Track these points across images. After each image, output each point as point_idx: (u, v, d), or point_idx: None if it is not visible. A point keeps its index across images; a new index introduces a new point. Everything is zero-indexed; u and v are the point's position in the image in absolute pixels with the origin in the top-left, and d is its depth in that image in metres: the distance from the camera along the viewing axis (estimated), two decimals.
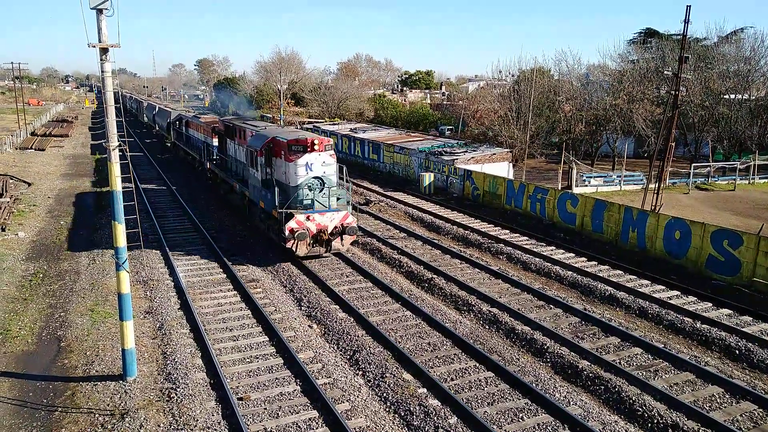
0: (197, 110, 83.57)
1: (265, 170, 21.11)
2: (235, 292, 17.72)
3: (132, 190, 12.54)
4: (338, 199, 20.77)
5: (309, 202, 19.91)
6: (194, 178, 37.06)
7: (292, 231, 19.16)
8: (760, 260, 18.33)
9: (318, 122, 63.34)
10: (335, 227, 19.98)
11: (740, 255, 18.90)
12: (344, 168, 20.90)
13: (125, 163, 11.69)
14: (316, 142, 19.75)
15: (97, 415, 11.05)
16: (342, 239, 20.33)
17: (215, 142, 30.84)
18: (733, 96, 47.39)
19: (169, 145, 51.78)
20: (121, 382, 12.16)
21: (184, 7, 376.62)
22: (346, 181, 20.94)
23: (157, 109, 60.88)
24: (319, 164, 19.87)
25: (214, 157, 30.88)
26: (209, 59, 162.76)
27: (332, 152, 20.26)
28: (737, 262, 18.98)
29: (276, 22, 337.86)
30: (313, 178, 19.85)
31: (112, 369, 12.73)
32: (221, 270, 19.71)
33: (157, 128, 58.79)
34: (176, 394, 11.68)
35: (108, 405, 11.38)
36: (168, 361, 13.04)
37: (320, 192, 19.93)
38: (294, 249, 19.56)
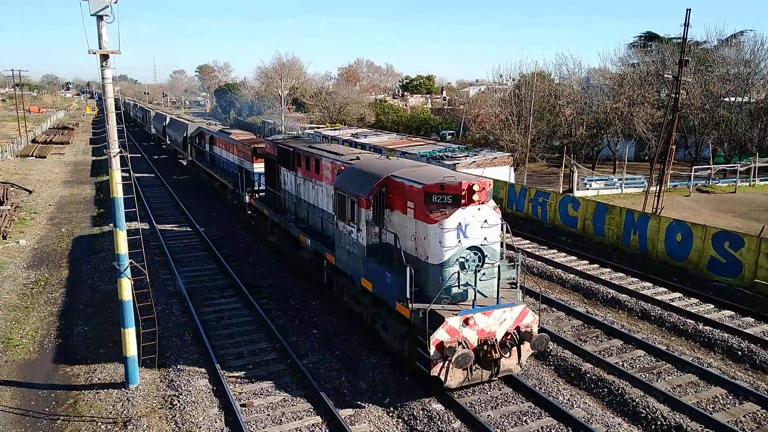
0: (202, 116, 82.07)
1: (372, 231, 13.37)
2: None
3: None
4: (511, 285, 13.06)
5: (460, 290, 12.04)
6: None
7: (440, 347, 11.29)
8: (761, 262, 18.29)
9: (319, 127, 63.42)
10: (508, 334, 12.10)
11: (742, 257, 18.86)
12: (506, 225, 13.18)
13: (127, 181, 11.70)
14: (475, 187, 11.79)
15: (99, 423, 11.03)
16: (519, 353, 12.36)
17: (258, 168, 24.76)
18: (733, 99, 47.40)
19: (185, 163, 44.90)
20: (123, 389, 12.13)
21: (186, 13, 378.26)
22: (514, 249, 13.73)
23: (168, 121, 51.96)
24: (477, 225, 12.00)
25: (258, 189, 24.72)
26: (210, 65, 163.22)
27: (493, 203, 12.70)
28: (739, 263, 18.93)
29: (277, 28, 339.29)
30: (468, 249, 12.04)
31: (114, 377, 12.71)
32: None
33: (169, 142, 50.80)
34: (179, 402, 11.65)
35: (110, 413, 11.35)
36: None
37: (479, 272, 12.08)
38: (443, 378, 11.61)
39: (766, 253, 18.20)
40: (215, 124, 45.54)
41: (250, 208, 25.48)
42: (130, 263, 11.89)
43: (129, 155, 11.94)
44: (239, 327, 15.54)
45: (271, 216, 21.31)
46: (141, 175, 40.94)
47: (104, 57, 10.94)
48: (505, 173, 36.63)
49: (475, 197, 11.90)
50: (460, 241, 11.90)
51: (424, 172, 13.20)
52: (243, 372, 13.05)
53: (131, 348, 12.03)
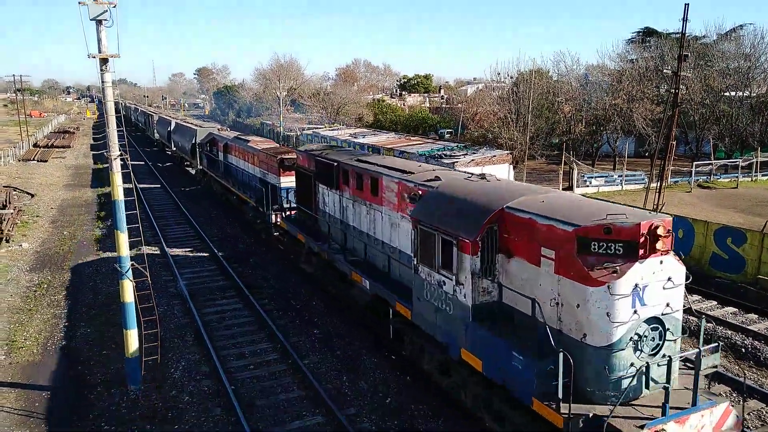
0: (201, 118, 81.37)
1: (479, 285, 9.87)
2: None
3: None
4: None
5: (633, 383, 8.32)
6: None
7: None
8: (764, 257, 18.24)
9: (317, 128, 63.45)
10: None
11: (744, 252, 18.83)
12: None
13: (127, 184, 11.73)
14: (660, 231, 8.25)
15: (102, 424, 11.06)
16: None
17: (286, 182, 21.75)
18: (733, 93, 47.33)
19: (193, 172, 41.80)
20: (125, 390, 12.17)
21: (183, 16, 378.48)
22: (697, 315, 10.24)
23: (173, 126, 48.54)
24: (659, 286, 8.54)
25: (288, 206, 21.32)
26: (209, 68, 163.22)
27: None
28: (741, 259, 18.90)
29: (274, 29, 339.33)
30: (647, 322, 8.56)
31: (117, 378, 12.74)
32: None
33: (175, 149, 47.59)
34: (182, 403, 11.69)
35: (113, 414, 11.39)
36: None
37: (658, 354, 8.73)
38: None
39: None
40: (225, 129, 40.52)
41: (276, 229, 22.21)
42: (132, 265, 11.93)
43: (130, 162, 11.97)
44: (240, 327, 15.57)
45: (309, 242, 17.46)
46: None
47: (104, 61, 10.99)
48: (504, 171, 36.58)
49: (659, 245, 8.28)
50: (635, 312, 8.31)
51: (561, 203, 9.41)
52: (245, 372, 13.08)
53: (133, 349, 12.07)
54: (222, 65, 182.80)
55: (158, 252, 22.60)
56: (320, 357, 13.90)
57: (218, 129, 38.66)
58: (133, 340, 12.04)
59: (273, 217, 22.22)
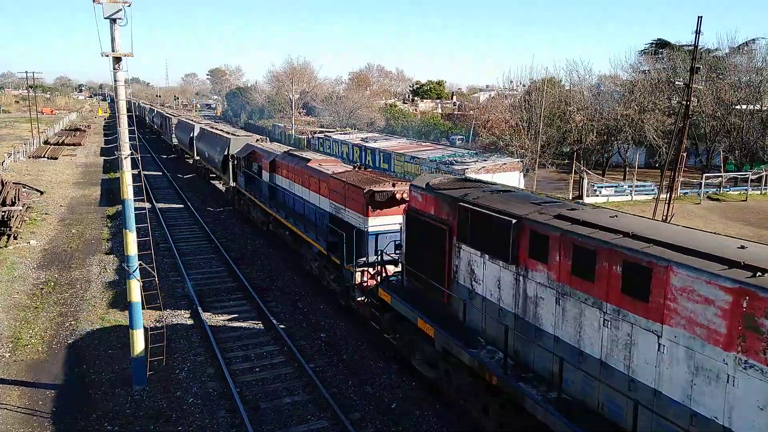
0: (213, 119, 79.99)
1: None
2: None
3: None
4: None
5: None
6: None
7: None
8: None
9: (329, 131, 63.62)
10: None
11: None
12: None
13: (138, 183, 11.74)
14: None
15: (105, 424, 11.06)
16: None
17: (378, 225, 15.35)
18: (744, 106, 47.00)
19: (222, 188, 36.13)
20: (130, 390, 12.17)
21: (198, 17, 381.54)
22: None
23: (197, 131, 41.63)
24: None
25: (377, 260, 14.51)
26: (222, 69, 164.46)
27: None
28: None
29: (289, 32, 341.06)
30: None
31: (122, 377, 12.75)
32: None
33: (198, 158, 41.32)
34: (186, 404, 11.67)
35: (117, 414, 11.38)
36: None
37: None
38: None
39: None
40: (264, 140, 32.66)
41: (365, 294, 15.26)
42: (140, 265, 11.95)
43: (144, 173, 11.99)
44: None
45: (445, 342, 10.74)
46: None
47: (117, 60, 11.04)
48: (515, 179, 36.48)
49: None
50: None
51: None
52: (251, 375, 13.06)
53: (139, 349, 12.08)
54: (235, 66, 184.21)
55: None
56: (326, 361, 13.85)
57: (257, 140, 31.55)
58: (139, 340, 12.04)
59: (357, 275, 15.38)
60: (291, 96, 76.73)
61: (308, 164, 19.89)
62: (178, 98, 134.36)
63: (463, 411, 11.16)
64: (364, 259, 15.33)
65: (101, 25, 10.59)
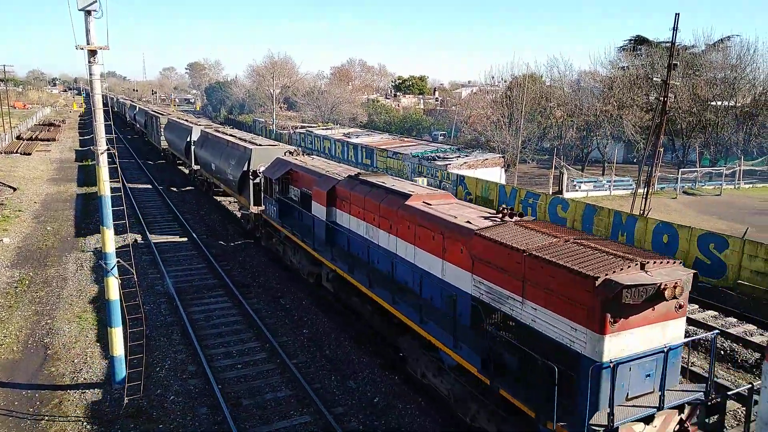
0: (192, 114, 77.32)
1: None
2: None
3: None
4: None
5: None
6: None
7: None
8: (744, 263, 18.52)
9: (311, 127, 63.30)
10: None
11: (726, 258, 19.07)
12: None
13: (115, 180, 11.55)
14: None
15: (85, 423, 10.90)
16: None
17: (621, 347, 7.94)
18: (719, 103, 47.94)
19: (238, 213, 26.74)
20: (109, 389, 12.00)
21: (176, 10, 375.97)
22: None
23: (197, 135, 34.15)
24: None
25: (612, 424, 7.65)
26: (201, 63, 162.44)
27: None
28: (723, 265, 19.15)
29: (270, 26, 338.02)
30: None
31: (100, 376, 12.57)
32: None
33: (198, 167, 33.77)
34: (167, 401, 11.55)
35: (96, 413, 11.22)
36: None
37: None
38: None
39: (750, 255, 18.42)
40: (298, 151, 22.41)
41: None
42: (118, 262, 11.77)
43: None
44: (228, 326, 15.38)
45: None
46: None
47: (92, 53, 10.80)
48: (496, 174, 36.76)
49: None
50: None
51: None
52: (233, 372, 12.98)
53: (118, 347, 11.91)
54: (215, 61, 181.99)
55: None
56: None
57: (287, 152, 22.02)
58: (117, 338, 11.87)
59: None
60: (272, 91, 76.15)
61: (410, 203, 12.78)
62: (156, 92, 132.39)
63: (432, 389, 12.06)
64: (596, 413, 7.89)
65: (76, 17, 10.36)
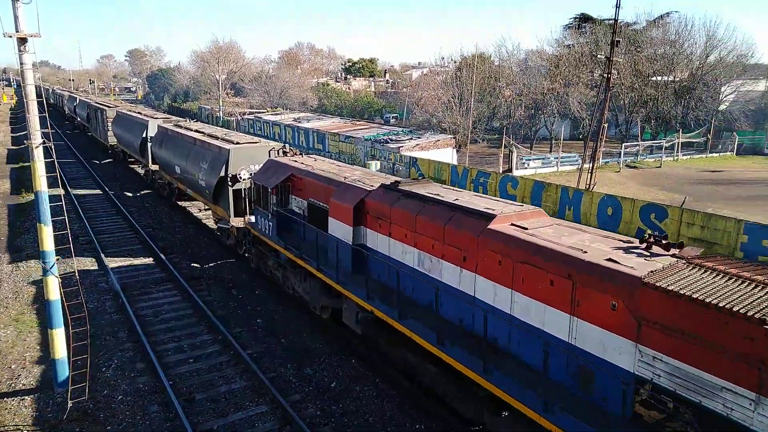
0: (133, 103, 72.62)
1: None
2: None
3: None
4: None
5: None
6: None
7: None
8: (683, 231, 19.37)
9: (260, 113, 61.99)
10: None
11: (666, 227, 19.88)
12: None
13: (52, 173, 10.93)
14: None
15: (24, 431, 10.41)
16: None
17: None
18: (659, 78, 49.66)
19: (218, 231, 22.53)
20: (52, 394, 11.49)
21: None
22: None
23: (154, 132, 29.49)
24: None
25: None
26: (141, 49, 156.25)
27: None
28: (663, 233, 20.00)
29: (212, 9, 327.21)
30: None
31: (42, 381, 12.02)
32: None
33: (156, 168, 29.44)
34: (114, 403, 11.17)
35: (37, 420, 10.73)
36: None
37: None
38: None
39: (688, 223, 19.26)
40: (293, 151, 18.74)
41: None
42: (57, 260, 11.21)
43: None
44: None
45: None
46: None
47: (22, 41, 10.15)
48: (448, 155, 37.04)
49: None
50: None
51: None
52: (184, 367, 12.66)
53: (59, 349, 11.40)
54: (156, 47, 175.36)
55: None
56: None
57: (286, 152, 18.38)
58: (59, 340, 11.36)
59: None
60: (217, 77, 73.96)
61: (495, 227, 9.39)
62: (94, 82, 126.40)
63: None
64: None
65: (2, 3, 9.72)
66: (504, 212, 9.79)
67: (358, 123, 50.07)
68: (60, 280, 11.27)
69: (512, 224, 9.52)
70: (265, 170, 16.78)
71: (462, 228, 9.89)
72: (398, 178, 13.32)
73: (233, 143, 20.52)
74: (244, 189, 18.45)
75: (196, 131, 25.32)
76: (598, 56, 38.52)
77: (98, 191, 31.51)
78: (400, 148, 35.20)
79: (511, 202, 11.15)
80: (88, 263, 19.32)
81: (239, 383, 11.99)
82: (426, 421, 10.70)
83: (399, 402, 11.36)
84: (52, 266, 11.16)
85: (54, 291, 11.25)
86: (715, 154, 47.14)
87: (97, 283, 17.63)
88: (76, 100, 63.95)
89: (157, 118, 33.12)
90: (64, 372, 11.52)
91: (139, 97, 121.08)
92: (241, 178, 18.69)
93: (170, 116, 38.02)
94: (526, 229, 9.26)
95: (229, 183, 19.04)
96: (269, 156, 18.00)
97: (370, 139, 38.21)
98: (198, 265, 19.38)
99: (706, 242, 18.09)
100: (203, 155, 21.57)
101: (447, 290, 10.18)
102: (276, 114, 59.84)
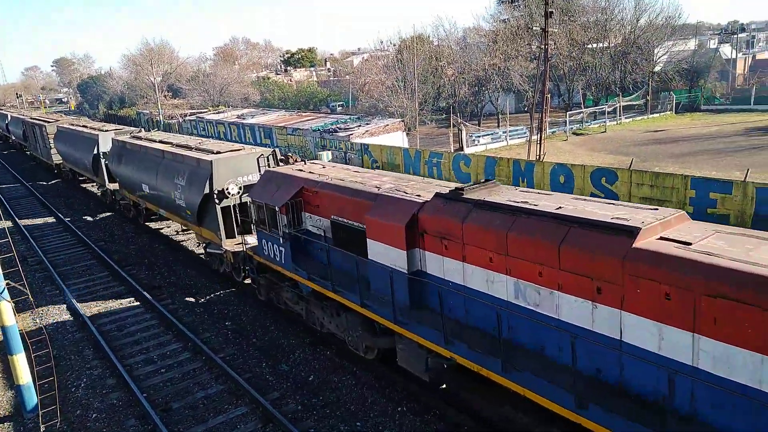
0: (68, 114, 68.82)
1: None
2: None
3: None
4: None
5: None
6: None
7: None
8: (633, 192, 20.18)
9: (201, 112, 60.43)
10: None
11: (617, 189, 20.67)
12: None
13: None
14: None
15: None
16: None
17: None
18: (595, 45, 51.20)
19: (207, 256, 19.15)
20: (20, 420, 11.04)
21: (33, 4, 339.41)
22: None
23: (106, 146, 26.73)
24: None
25: None
26: (68, 58, 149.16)
27: None
28: (615, 196, 20.75)
29: (139, 10, 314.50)
30: None
31: (9, 409, 11.51)
32: None
33: (114, 187, 26.64)
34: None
35: None
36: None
37: None
38: None
39: (637, 183, 20.08)
40: (293, 158, 20.93)
41: None
42: (7, 284, 10.71)
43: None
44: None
45: None
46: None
47: None
48: (399, 139, 37.19)
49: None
50: None
51: None
52: (157, 377, 12.38)
53: (23, 375, 10.94)
54: (83, 54, 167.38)
55: None
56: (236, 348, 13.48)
57: (286, 159, 18.89)
58: (21, 366, 10.89)
59: None
60: (153, 79, 71.50)
61: (645, 246, 7.11)
62: (21, 96, 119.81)
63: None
64: None
65: None
66: (648, 225, 7.30)
67: (304, 114, 49.57)
68: (13, 305, 10.80)
69: (662, 238, 7.20)
70: (264, 184, 14.15)
71: (589, 248, 7.42)
72: (458, 185, 10.35)
73: (213, 153, 17.64)
74: (234, 206, 16.45)
75: (161, 142, 22.32)
76: (534, 28, 39.33)
77: (50, 219, 27.67)
78: (350, 136, 35.09)
79: (635, 205, 8.60)
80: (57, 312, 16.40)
81: (215, 387, 11.83)
82: (408, 404, 10.86)
83: (379, 387, 11.47)
84: (2, 291, 10.66)
85: (8, 316, 10.77)
86: (655, 115, 49.14)
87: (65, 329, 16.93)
88: (7, 118, 59.24)
89: (107, 130, 29.19)
90: (31, 397, 11.08)
91: (72, 108, 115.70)
92: (229, 193, 16.22)
93: (121, 126, 34.13)
94: (689, 244, 6.91)
95: (216, 200, 16.35)
96: (258, 164, 16.29)
97: (319, 130, 37.92)
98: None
99: (657, 200, 18.92)
100: (177, 169, 18.54)
101: (571, 331, 7.62)
102: (218, 112, 58.49)
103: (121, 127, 33.76)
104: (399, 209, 10.17)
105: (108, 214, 28.01)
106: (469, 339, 9.07)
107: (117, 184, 25.96)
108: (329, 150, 35.54)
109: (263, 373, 12.33)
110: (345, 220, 11.63)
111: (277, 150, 17.81)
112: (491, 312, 8.61)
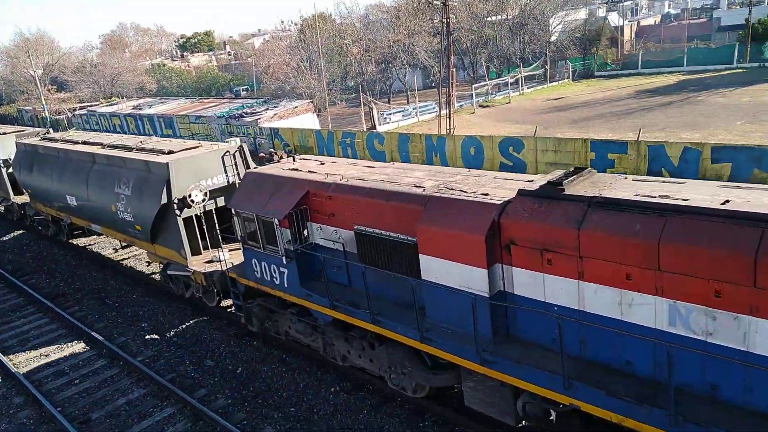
0: None
1: None
2: None
3: None
4: None
5: None
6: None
7: None
8: (539, 158, 21.18)
9: (92, 105, 56.19)
10: None
11: (524, 157, 21.60)
12: None
13: None
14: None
15: None
16: None
17: None
18: (494, 17, 52.77)
19: (165, 281, 15.64)
20: None
21: None
22: None
23: (16, 151, 21.62)
24: None
25: None
26: None
27: None
28: (522, 164, 21.74)
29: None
30: None
31: None
32: None
33: (22, 202, 22.48)
34: None
35: None
36: None
37: None
38: None
39: (542, 150, 21.07)
40: (279, 154, 14.17)
41: None
42: None
43: None
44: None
45: None
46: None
47: None
48: (310, 121, 36.58)
49: None
50: None
51: None
52: (71, 389, 11.49)
53: None
54: None
55: None
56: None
57: (273, 155, 14.24)
58: None
59: None
60: (33, 72, 65.37)
61: None
62: None
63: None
64: None
65: None
66: None
67: (206, 101, 47.52)
68: None
69: None
70: (248, 190, 11.28)
71: None
72: (549, 177, 7.99)
73: (165, 153, 14.56)
74: (198, 215, 14.04)
75: (86, 143, 18.30)
76: (435, 2, 39.90)
77: None
78: (258, 121, 34.06)
79: None
80: None
81: (137, 392, 11.18)
82: (341, 383, 10.82)
83: (310, 371, 11.33)
84: None
85: None
86: (554, 83, 51.59)
87: None
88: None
89: (6, 133, 24.11)
90: None
91: None
92: (193, 201, 13.59)
93: (24, 127, 28.34)
94: None
95: (177, 212, 13.60)
96: (223, 163, 14.06)
97: (224, 116, 36.50)
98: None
99: (561, 164, 19.94)
100: (117, 175, 15.30)
101: None
102: (112, 104, 54.68)
103: (22, 128, 27.52)
104: (470, 214, 7.85)
105: (21, 231, 23.58)
106: (591, 379, 6.99)
107: (26, 197, 21.83)
108: (237, 136, 34.32)
109: (188, 371, 11.81)
110: (379, 231, 9.19)
111: (244, 145, 15.09)
112: (632, 344, 6.73)
